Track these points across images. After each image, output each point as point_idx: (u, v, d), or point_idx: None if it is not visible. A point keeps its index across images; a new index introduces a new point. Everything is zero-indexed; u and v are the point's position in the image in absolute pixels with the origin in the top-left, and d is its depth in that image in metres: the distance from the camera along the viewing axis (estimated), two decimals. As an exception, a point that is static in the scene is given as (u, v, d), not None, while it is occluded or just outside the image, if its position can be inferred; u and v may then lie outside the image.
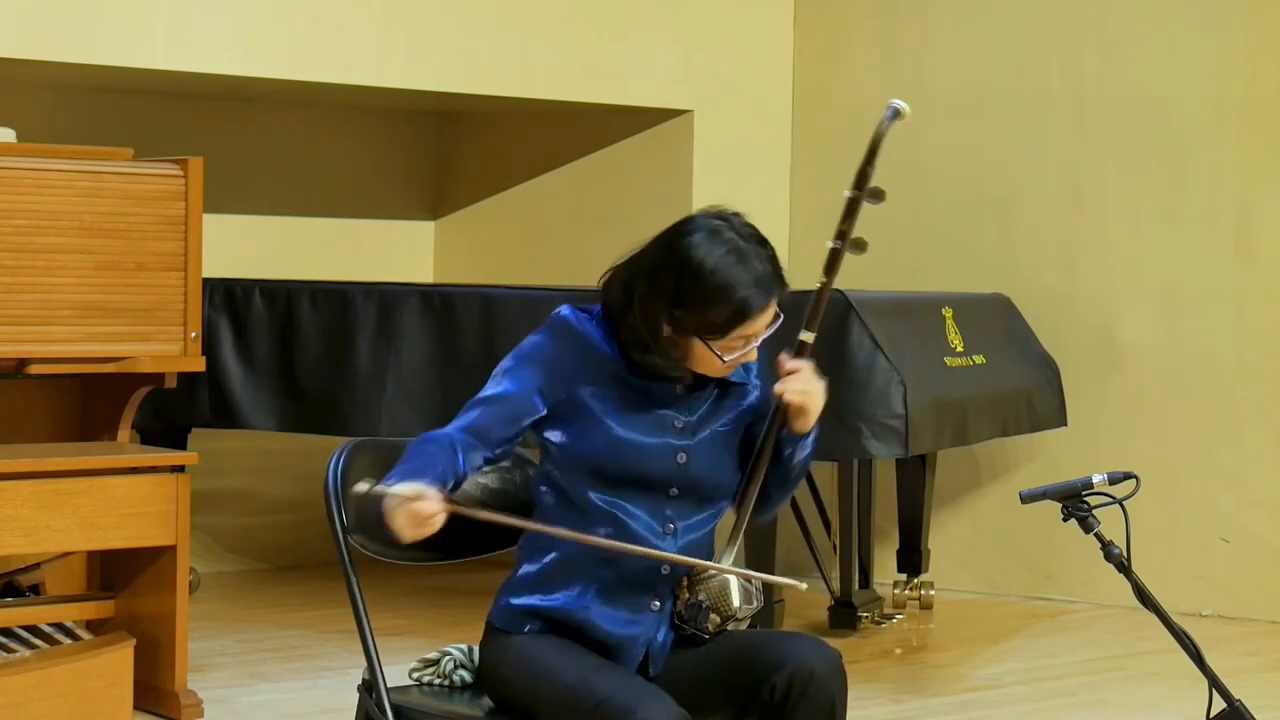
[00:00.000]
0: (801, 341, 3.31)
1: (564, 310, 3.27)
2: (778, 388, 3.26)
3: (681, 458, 3.26)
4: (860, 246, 3.33)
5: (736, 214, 3.25)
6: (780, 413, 3.28)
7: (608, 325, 3.27)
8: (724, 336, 3.19)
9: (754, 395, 3.36)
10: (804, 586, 3.29)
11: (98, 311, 5.26)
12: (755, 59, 7.91)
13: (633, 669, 3.25)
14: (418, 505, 3.02)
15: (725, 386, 3.32)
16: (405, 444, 3.55)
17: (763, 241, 3.22)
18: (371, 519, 3.10)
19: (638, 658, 3.26)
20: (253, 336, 6.54)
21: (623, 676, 3.17)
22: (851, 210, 3.32)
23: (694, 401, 3.29)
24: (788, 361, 3.28)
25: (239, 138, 7.78)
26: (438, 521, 3.04)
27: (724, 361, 3.22)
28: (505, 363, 3.26)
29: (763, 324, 3.21)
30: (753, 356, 3.27)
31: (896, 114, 3.34)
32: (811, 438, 3.32)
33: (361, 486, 3.08)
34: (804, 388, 3.25)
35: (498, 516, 3.20)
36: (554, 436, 3.27)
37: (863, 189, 3.32)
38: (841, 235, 3.32)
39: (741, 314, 3.17)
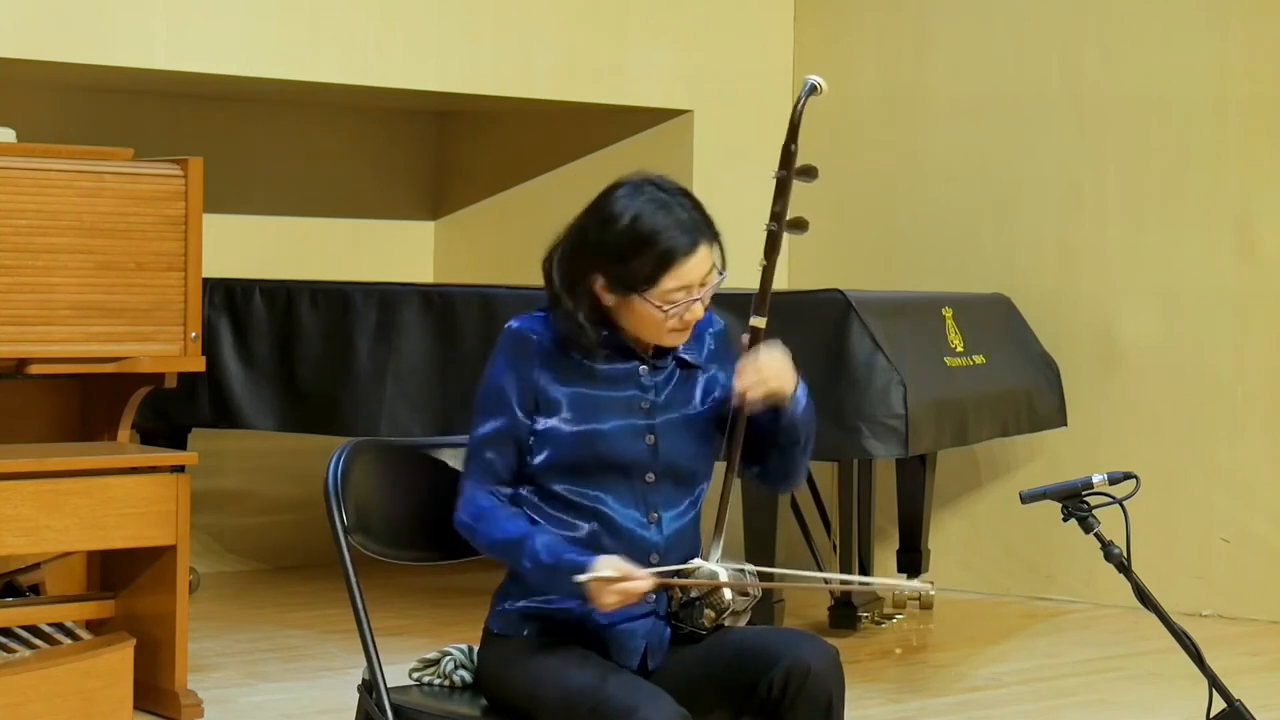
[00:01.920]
0: (753, 327, 3.32)
1: (511, 323, 3.34)
2: (738, 388, 3.26)
3: (650, 438, 3.27)
4: (800, 226, 3.34)
5: (661, 176, 3.28)
6: (743, 408, 3.28)
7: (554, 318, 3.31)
8: (657, 286, 3.20)
9: (725, 386, 3.35)
10: (931, 589, 3.31)
11: (98, 311, 5.26)
12: (755, 59, 7.90)
13: (634, 663, 3.25)
14: (630, 585, 3.09)
15: (686, 366, 3.33)
16: (405, 445, 3.56)
17: (686, 193, 3.25)
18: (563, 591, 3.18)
19: (638, 650, 3.27)
20: (253, 336, 6.54)
21: (622, 676, 3.17)
22: (782, 190, 3.34)
23: (657, 381, 3.31)
24: (744, 350, 3.28)
25: (239, 138, 7.78)
26: (644, 590, 3.13)
27: (665, 314, 3.21)
28: (480, 397, 3.30)
29: (696, 271, 3.21)
30: (698, 312, 3.25)
31: (813, 90, 3.37)
32: (801, 392, 3.30)
33: (582, 577, 3.11)
34: (760, 379, 3.25)
35: (704, 581, 3.23)
36: (533, 441, 3.28)
37: (790, 168, 3.34)
38: (776, 216, 3.34)
39: (668, 257, 3.18)
